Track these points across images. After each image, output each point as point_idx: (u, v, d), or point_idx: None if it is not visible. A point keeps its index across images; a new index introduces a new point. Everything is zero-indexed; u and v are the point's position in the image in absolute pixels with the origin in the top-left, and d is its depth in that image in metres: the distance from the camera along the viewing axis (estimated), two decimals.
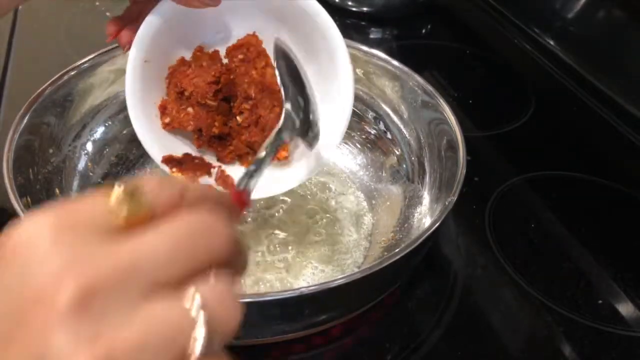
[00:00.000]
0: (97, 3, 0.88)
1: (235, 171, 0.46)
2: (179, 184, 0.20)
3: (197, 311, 0.17)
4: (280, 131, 0.35)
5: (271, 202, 0.50)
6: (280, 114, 0.42)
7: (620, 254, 0.54)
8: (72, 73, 0.51)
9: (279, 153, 0.46)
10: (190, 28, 0.45)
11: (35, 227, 0.18)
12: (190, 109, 0.45)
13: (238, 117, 0.46)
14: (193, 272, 0.18)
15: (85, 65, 0.52)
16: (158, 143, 0.44)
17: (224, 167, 0.47)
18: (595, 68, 0.75)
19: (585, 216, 0.58)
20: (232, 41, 0.47)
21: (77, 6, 0.88)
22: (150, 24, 0.42)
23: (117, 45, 0.54)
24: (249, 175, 0.28)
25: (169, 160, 0.45)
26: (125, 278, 0.17)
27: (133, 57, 0.42)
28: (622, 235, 0.56)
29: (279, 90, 0.42)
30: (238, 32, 0.46)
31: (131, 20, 0.43)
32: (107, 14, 0.86)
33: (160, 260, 0.18)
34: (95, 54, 0.53)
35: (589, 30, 0.78)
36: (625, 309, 0.48)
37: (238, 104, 0.46)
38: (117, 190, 0.19)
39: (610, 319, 0.47)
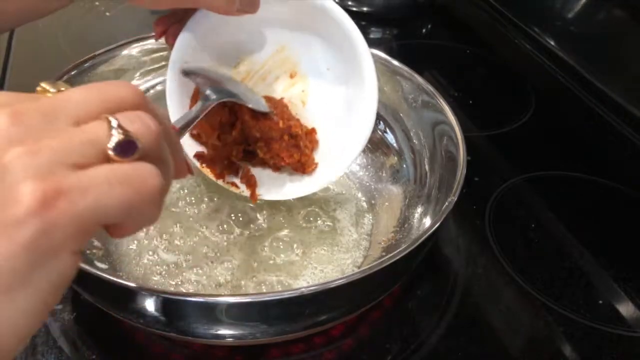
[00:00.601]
0: (97, 3, 0.88)
1: (259, 173, 0.49)
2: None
3: (110, 122, 0.22)
4: None
5: (271, 201, 0.50)
6: (297, 153, 0.47)
7: (620, 254, 0.54)
8: (72, 73, 0.51)
9: (306, 167, 0.48)
10: (227, 37, 0.47)
11: None
12: (204, 148, 0.48)
13: (258, 151, 0.47)
14: (107, 109, 0.23)
15: (85, 65, 0.52)
16: (189, 140, 0.48)
17: (249, 166, 0.49)
18: (595, 68, 0.75)
19: (585, 216, 0.58)
20: (266, 53, 0.49)
21: (77, 6, 0.88)
22: (189, 30, 0.44)
23: (116, 45, 0.55)
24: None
25: (200, 156, 0.48)
26: (49, 112, 0.21)
27: (173, 60, 0.44)
28: (622, 235, 0.56)
29: (294, 136, 0.46)
30: (270, 47, 0.49)
31: (177, 19, 0.45)
32: (107, 14, 0.86)
33: (75, 100, 0.22)
34: (95, 53, 0.53)
35: (589, 30, 0.78)
36: (625, 309, 0.48)
37: (253, 144, 0.47)
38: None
39: (610, 319, 0.47)
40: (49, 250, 0.20)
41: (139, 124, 0.23)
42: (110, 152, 0.22)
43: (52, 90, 0.24)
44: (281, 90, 0.50)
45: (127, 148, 0.22)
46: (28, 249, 0.19)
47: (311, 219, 0.52)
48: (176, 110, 0.45)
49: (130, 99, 0.24)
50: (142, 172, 0.22)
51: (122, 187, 0.21)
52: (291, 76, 0.49)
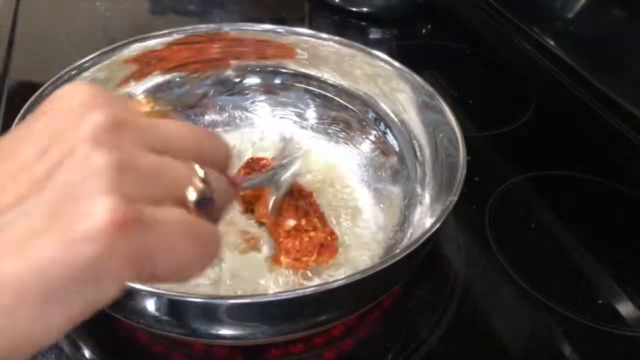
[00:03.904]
0: (98, 3, 0.88)
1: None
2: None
3: (198, 172, 0.21)
4: None
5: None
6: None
7: (620, 253, 0.54)
8: (73, 73, 0.51)
9: (325, 258, 0.46)
10: None
11: (75, 86, 0.22)
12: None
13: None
14: (198, 158, 0.22)
15: (86, 65, 0.52)
16: None
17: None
18: (595, 68, 0.75)
19: (585, 216, 0.58)
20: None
21: (78, 6, 0.88)
22: None
23: (116, 45, 0.55)
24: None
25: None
26: (145, 131, 0.21)
27: None
28: (622, 235, 0.56)
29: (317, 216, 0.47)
30: None
31: None
32: (107, 14, 0.86)
33: (175, 133, 0.22)
34: (96, 53, 0.53)
35: (589, 30, 0.78)
36: (625, 309, 0.48)
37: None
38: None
39: (610, 319, 0.47)
40: (102, 275, 0.18)
41: (222, 185, 0.23)
42: (190, 201, 0.21)
43: (146, 107, 0.25)
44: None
45: (205, 203, 0.21)
46: (84, 268, 0.18)
47: None
48: None
49: (222, 161, 0.24)
50: (211, 235, 0.22)
51: (192, 243, 0.20)
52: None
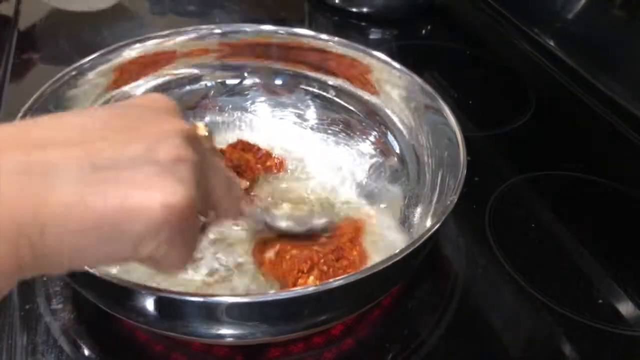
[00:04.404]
0: (98, 4, 0.88)
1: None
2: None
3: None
4: None
5: (271, 202, 0.50)
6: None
7: (620, 253, 0.54)
8: (73, 73, 0.51)
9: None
10: None
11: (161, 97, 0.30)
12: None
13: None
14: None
15: (86, 65, 0.52)
16: None
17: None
18: (595, 68, 0.75)
19: (585, 216, 0.58)
20: None
21: (78, 6, 0.88)
22: None
23: (116, 45, 0.55)
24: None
25: None
26: (213, 161, 0.29)
27: None
28: (622, 235, 0.56)
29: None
30: None
31: None
32: (107, 14, 0.86)
33: (224, 169, 0.31)
34: (96, 54, 0.53)
35: (589, 30, 0.78)
36: (625, 309, 0.48)
37: None
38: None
39: (610, 319, 0.47)
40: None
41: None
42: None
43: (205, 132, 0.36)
44: None
45: None
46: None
47: None
48: None
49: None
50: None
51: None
52: None
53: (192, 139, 0.26)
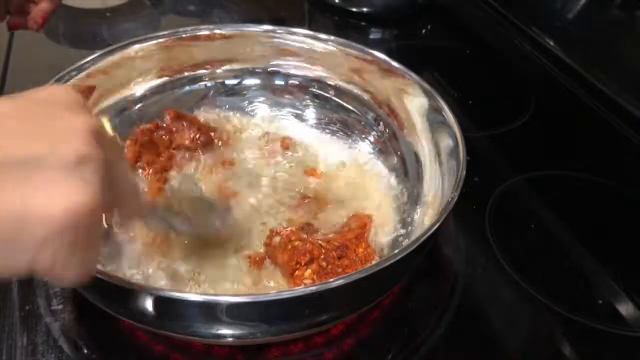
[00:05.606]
0: (97, 3, 0.88)
1: None
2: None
3: None
4: None
5: (272, 209, 0.50)
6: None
7: (620, 254, 0.54)
8: (73, 73, 0.51)
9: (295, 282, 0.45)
10: None
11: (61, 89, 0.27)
12: None
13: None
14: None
15: (86, 65, 0.52)
16: None
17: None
18: (595, 68, 0.75)
19: (585, 216, 0.58)
20: None
21: (77, 6, 0.88)
22: None
23: (116, 45, 0.55)
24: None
25: None
26: (117, 158, 0.29)
27: None
28: (622, 235, 0.56)
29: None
30: None
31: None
32: (107, 14, 0.86)
33: (127, 166, 0.32)
34: (96, 54, 0.53)
35: (589, 30, 0.78)
36: (625, 309, 0.48)
37: None
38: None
39: (610, 319, 0.47)
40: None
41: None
42: None
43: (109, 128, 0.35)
44: None
45: None
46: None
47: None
48: None
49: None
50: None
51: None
52: None
53: (97, 136, 0.25)
